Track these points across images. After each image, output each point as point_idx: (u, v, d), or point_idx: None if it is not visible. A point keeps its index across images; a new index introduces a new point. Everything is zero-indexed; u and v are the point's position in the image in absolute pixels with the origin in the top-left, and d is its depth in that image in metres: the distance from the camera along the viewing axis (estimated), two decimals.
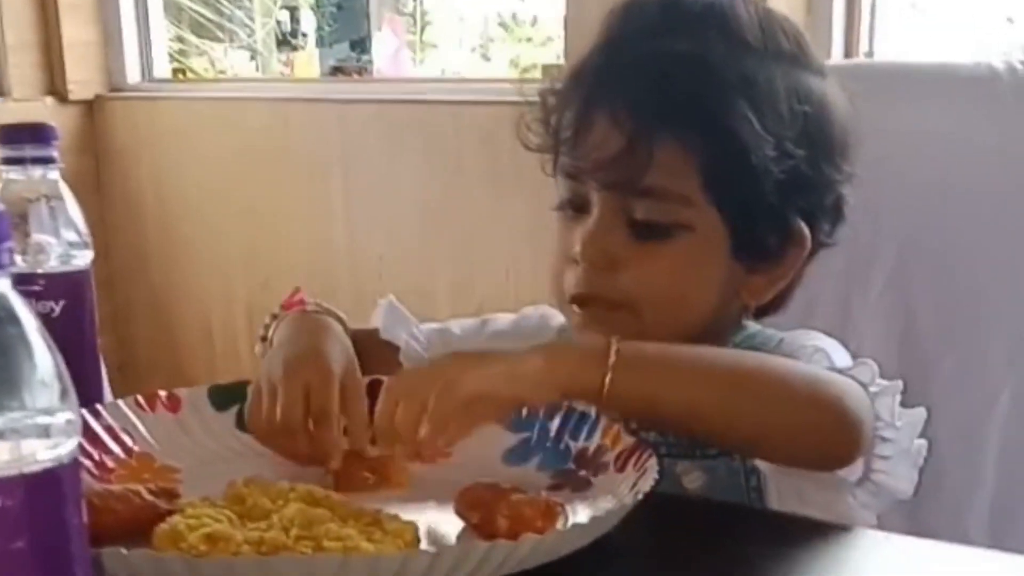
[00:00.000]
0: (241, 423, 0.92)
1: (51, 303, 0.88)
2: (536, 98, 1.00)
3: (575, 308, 0.96)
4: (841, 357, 0.93)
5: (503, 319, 1.12)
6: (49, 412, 0.49)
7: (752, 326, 1.02)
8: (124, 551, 0.63)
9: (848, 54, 1.94)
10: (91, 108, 2.90)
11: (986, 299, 1.16)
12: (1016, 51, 1.71)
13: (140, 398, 0.90)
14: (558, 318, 1.06)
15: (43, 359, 0.50)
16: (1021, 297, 1.15)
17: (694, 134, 0.91)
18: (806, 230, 0.96)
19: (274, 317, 1.04)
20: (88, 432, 0.84)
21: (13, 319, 0.50)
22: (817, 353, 0.91)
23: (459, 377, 0.80)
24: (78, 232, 0.90)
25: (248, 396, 0.92)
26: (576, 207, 0.96)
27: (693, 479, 0.95)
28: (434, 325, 1.10)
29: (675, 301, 0.95)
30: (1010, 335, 1.15)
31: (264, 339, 1.03)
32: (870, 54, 1.97)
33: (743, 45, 0.93)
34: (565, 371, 0.81)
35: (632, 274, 0.93)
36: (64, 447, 0.49)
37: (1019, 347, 1.15)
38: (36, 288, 0.87)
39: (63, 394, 0.50)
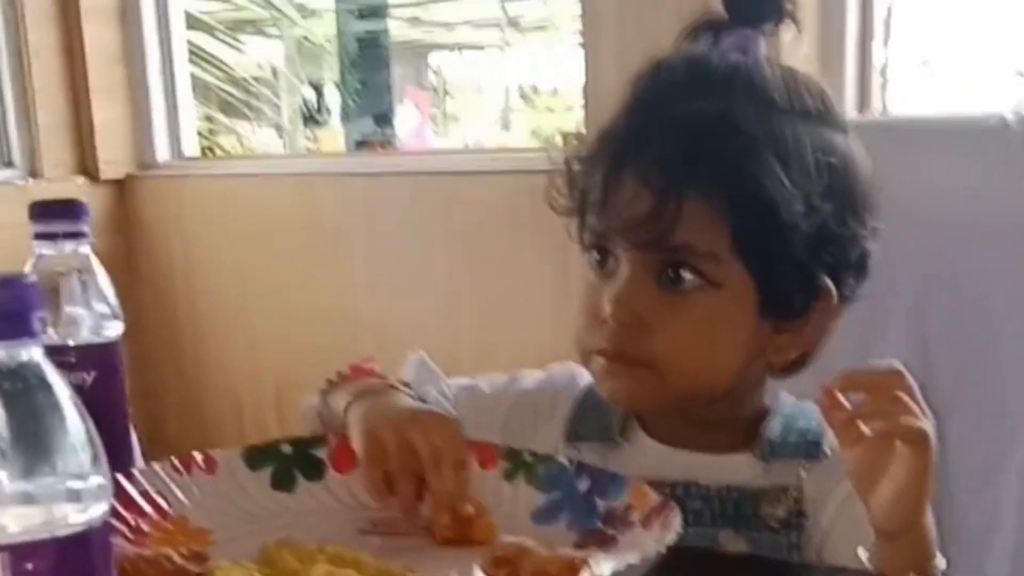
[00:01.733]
0: (275, 482, 0.93)
1: (83, 374, 0.89)
2: (562, 165, 1.01)
3: (599, 359, 0.97)
4: None
5: (531, 377, 1.12)
6: (81, 477, 0.50)
7: (787, 403, 1.02)
8: None
9: (862, 110, 1.96)
10: (122, 187, 2.95)
11: (1003, 345, 1.16)
12: None
13: (175, 460, 0.92)
14: (586, 376, 1.06)
15: (75, 425, 0.51)
16: None
17: (722, 192, 0.91)
18: (832, 286, 0.96)
19: (340, 376, 1.04)
20: (123, 496, 0.86)
21: (45, 386, 0.51)
22: None
23: None
24: (109, 305, 0.91)
25: (361, 448, 0.92)
26: (603, 267, 0.97)
27: (735, 548, 0.95)
28: (463, 381, 1.11)
29: (702, 359, 0.95)
30: None
31: (325, 392, 1.03)
32: (883, 110, 1.99)
33: (769, 104, 0.95)
34: None
35: (660, 334, 0.94)
36: (95, 511, 0.50)
37: None
38: (68, 360, 0.88)
39: (94, 459, 0.51)
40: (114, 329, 0.92)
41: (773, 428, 0.99)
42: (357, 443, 0.93)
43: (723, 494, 0.96)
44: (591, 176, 0.97)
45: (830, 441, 0.97)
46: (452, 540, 0.87)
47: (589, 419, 1.04)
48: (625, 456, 0.99)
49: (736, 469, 0.98)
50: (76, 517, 0.50)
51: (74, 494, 0.50)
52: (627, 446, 1.02)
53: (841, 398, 0.83)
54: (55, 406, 0.51)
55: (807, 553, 0.95)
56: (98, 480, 0.51)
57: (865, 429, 0.82)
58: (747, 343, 0.96)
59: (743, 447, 0.99)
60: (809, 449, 0.97)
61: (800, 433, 0.98)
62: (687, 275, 0.93)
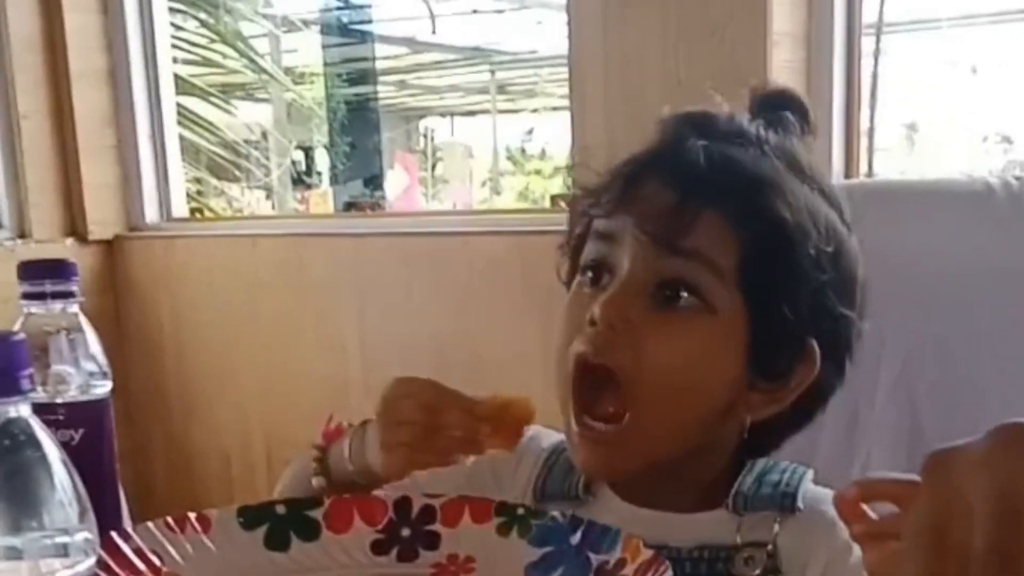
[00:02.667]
0: (269, 542, 0.93)
1: (71, 431, 0.89)
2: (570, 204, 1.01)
3: (574, 426, 0.95)
4: None
5: None
6: (68, 531, 0.51)
7: (760, 459, 0.99)
8: None
9: (848, 175, 1.98)
10: (110, 248, 2.96)
11: (990, 406, 1.17)
12: (1012, 169, 1.75)
13: (170, 520, 0.91)
14: (550, 438, 1.05)
15: (62, 480, 0.51)
16: (1021, 406, 1.15)
17: (745, 213, 0.91)
18: (818, 352, 0.94)
19: (319, 448, 1.04)
20: (117, 554, 0.85)
21: (33, 442, 0.52)
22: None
23: None
24: (97, 363, 0.91)
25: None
26: (598, 274, 0.96)
27: None
28: None
29: (685, 382, 0.93)
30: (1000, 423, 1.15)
31: (317, 473, 1.02)
32: (870, 174, 2.00)
33: (795, 167, 0.96)
34: None
35: (648, 343, 0.92)
36: (82, 566, 0.50)
37: None
38: (56, 417, 0.88)
39: (82, 514, 0.51)
40: (102, 387, 0.92)
41: (746, 481, 0.97)
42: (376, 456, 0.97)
43: (695, 555, 0.95)
44: (601, 196, 0.97)
45: (803, 494, 0.96)
46: (505, 435, 0.92)
47: (555, 477, 1.03)
48: (592, 515, 0.97)
49: (707, 527, 0.96)
50: (63, 572, 0.49)
51: (61, 548, 0.50)
52: (594, 504, 1.00)
53: (865, 508, 0.81)
54: (43, 462, 0.51)
55: None
56: (85, 535, 0.51)
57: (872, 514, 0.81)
58: (728, 383, 0.94)
59: (715, 505, 0.97)
60: (783, 502, 0.96)
61: (773, 485, 0.97)
62: (684, 295, 0.92)
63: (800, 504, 0.95)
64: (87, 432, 0.90)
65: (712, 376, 0.94)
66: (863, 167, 2.00)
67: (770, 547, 0.94)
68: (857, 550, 0.92)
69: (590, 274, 0.97)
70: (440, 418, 0.94)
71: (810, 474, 0.98)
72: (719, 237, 0.91)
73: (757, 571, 0.93)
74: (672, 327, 0.92)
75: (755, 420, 0.96)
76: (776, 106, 1.00)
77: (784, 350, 0.94)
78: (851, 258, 0.97)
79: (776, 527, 0.95)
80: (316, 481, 1.03)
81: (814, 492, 0.97)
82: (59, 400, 0.89)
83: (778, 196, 0.92)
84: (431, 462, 0.96)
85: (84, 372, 0.91)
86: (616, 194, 0.95)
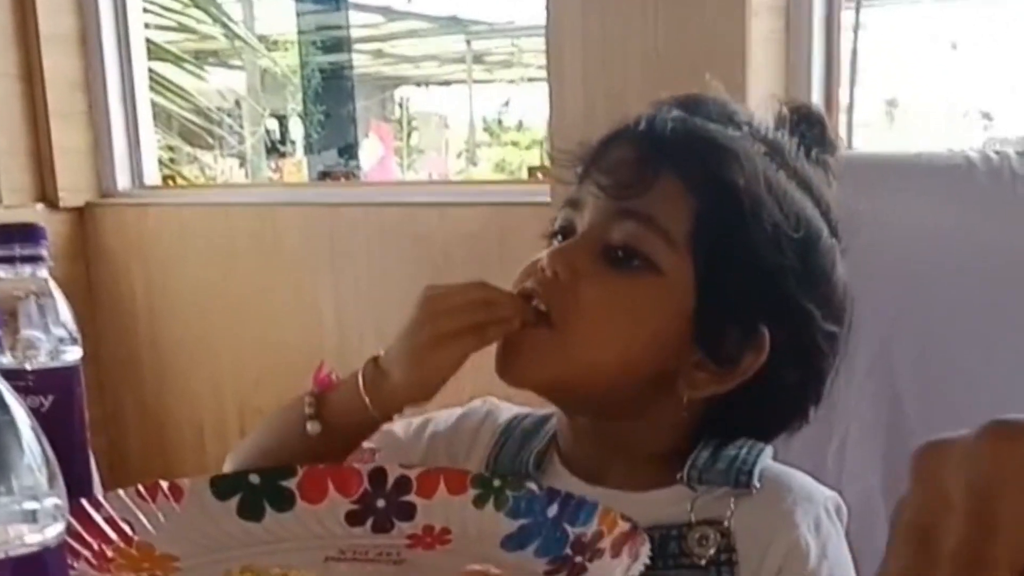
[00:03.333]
0: (243, 512, 0.92)
1: (40, 398, 0.87)
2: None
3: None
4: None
5: (445, 419, 1.09)
6: (36, 497, 0.49)
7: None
8: None
9: None
10: (81, 215, 2.92)
11: (969, 381, 1.16)
12: (992, 145, 1.75)
13: (141, 488, 0.90)
14: (508, 412, 1.05)
15: (31, 445, 0.50)
16: (1004, 382, 1.16)
17: (702, 177, 0.91)
18: (767, 339, 0.92)
19: (313, 394, 1.03)
20: (88, 522, 0.84)
21: (1, 406, 0.50)
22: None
23: None
24: (67, 329, 0.89)
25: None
26: (564, 238, 0.96)
27: None
28: (385, 426, 1.06)
29: (612, 334, 0.92)
30: (993, 416, 1.15)
31: (312, 417, 1.01)
32: (849, 148, 2.00)
33: (777, 154, 0.95)
34: None
35: (587, 289, 0.92)
36: (51, 531, 0.49)
37: None
38: (25, 384, 0.86)
39: (51, 480, 0.50)
40: (73, 353, 0.91)
41: (701, 455, 0.95)
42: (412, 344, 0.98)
43: (648, 533, 0.94)
44: (575, 166, 0.98)
45: (760, 472, 0.94)
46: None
47: (506, 453, 1.02)
48: None
49: (660, 505, 0.94)
50: (31, 537, 0.48)
51: (29, 515, 0.49)
52: (543, 481, 0.98)
53: None
54: (10, 426, 0.50)
55: None
56: (54, 501, 0.49)
57: None
58: (664, 344, 0.93)
59: (668, 483, 0.95)
60: (739, 478, 0.94)
61: (729, 461, 0.95)
62: (634, 261, 0.92)
63: (756, 482, 0.93)
64: (57, 399, 0.88)
65: (648, 332, 0.93)
66: (843, 141, 1.99)
67: (724, 524, 0.93)
68: (813, 557, 0.91)
69: (559, 239, 0.97)
70: (489, 301, 0.95)
71: (769, 451, 0.96)
72: (674, 202, 0.91)
73: (711, 551, 0.92)
74: (616, 282, 0.92)
75: (699, 399, 0.95)
76: (796, 121, 1.00)
77: (732, 330, 0.93)
78: (824, 256, 0.95)
79: (732, 505, 0.93)
80: (311, 426, 1.01)
81: (771, 469, 0.95)
82: (28, 367, 0.87)
83: (736, 164, 0.91)
84: (480, 344, 0.95)
85: (54, 338, 0.89)
86: (586, 161, 0.96)
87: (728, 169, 0.91)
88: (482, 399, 1.09)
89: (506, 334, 0.94)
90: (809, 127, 1.00)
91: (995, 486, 0.46)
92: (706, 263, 0.91)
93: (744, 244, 0.91)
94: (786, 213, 0.92)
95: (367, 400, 0.98)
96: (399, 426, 1.08)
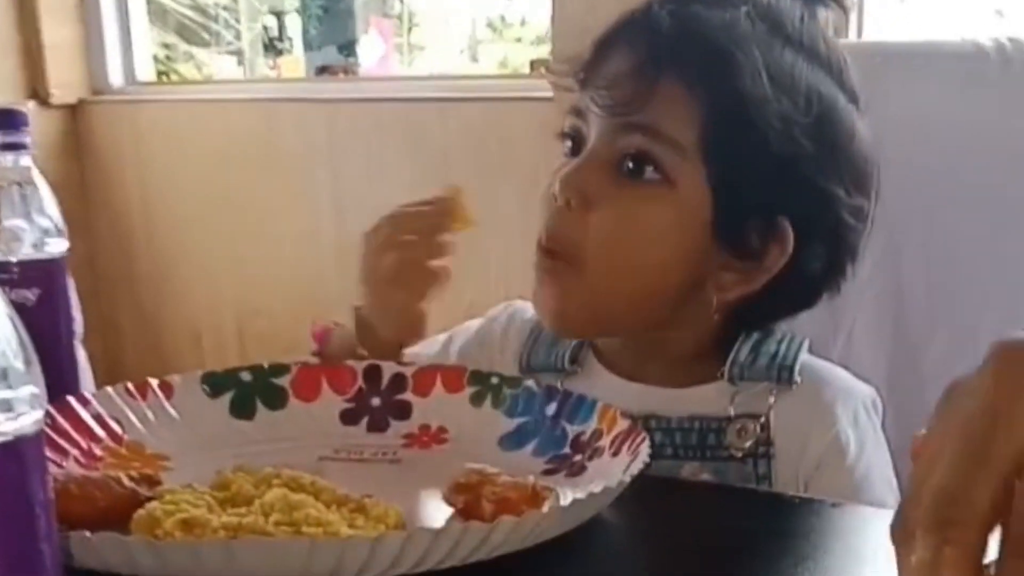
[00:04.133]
0: (235, 410, 0.90)
1: (25, 291, 0.86)
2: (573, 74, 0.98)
3: (536, 264, 0.95)
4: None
5: (467, 330, 1.10)
6: (11, 385, 0.48)
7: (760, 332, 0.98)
8: (88, 535, 0.61)
9: (837, 37, 1.92)
10: (74, 112, 2.88)
11: (976, 278, 1.14)
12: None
13: (131, 385, 0.88)
14: (529, 310, 1.04)
15: (5, 331, 0.48)
16: (1010, 276, 1.13)
17: (703, 78, 0.89)
18: (790, 232, 0.91)
19: (316, 353, 1.03)
20: (76, 419, 0.83)
21: None
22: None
23: None
24: (52, 220, 0.87)
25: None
26: (576, 146, 0.94)
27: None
28: (412, 349, 1.07)
29: (637, 256, 0.91)
30: (1000, 315, 1.13)
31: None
32: (859, 37, 1.95)
33: (779, 30, 0.92)
34: None
35: (602, 214, 0.90)
36: (26, 419, 0.47)
37: (1009, 323, 1.12)
38: (10, 276, 0.85)
39: (27, 367, 0.48)
40: (58, 246, 0.89)
41: (742, 351, 0.96)
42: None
43: (685, 425, 0.93)
44: (575, 70, 0.96)
45: (800, 367, 0.94)
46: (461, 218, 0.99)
47: (540, 348, 1.02)
48: (579, 387, 0.94)
49: (700, 401, 0.95)
50: (6, 426, 0.47)
51: (4, 403, 0.47)
52: (581, 376, 0.99)
53: None
54: None
55: (778, 485, 0.92)
56: (30, 389, 0.48)
57: None
58: (687, 258, 0.92)
59: (708, 380, 0.96)
60: (780, 374, 0.94)
61: (770, 356, 0.95)
62: (648, 168, 0.90)
63: (797, 377, 0.94)
64: (43, 293, 0.87)
65: (668, 252, 0.92)
66: (852, 33, 1.94)
67: (763, 419, 0.92)
68: (852, 451, 0.91)
69: (569, 144, 0.95)
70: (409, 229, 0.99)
71: (807, 344, 0.97)
72: (679, 108, 0.89)
73: (748, 443, 0.92)
74: (630, 203, 0.90)
75: (730, 300, 0.93)
76: None
77: (752, 227, 0.91)
78: (840, 128, 0.92)
79: (771, 399, 0.93)
80: None
81: (811, 364, 0.96)
82: (12, 259, 0.85)
83: (736, 65, 0.88)
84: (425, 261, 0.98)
85: (38, 228, 0.86)
86: (585, 66, 0.93)
87: (729, 72, 0.88)
88: (505, 303, 1.09)
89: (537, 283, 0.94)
90: None
91: (986, 426, 0.44)
92: (718, 167, 0.90)
93: (754, 143, 0.89)
94: (794, 98, 0.90)
95: (365, 354, 0.98)
96: (421, 347, 1.07)
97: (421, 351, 1.07)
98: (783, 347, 0.96)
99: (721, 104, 0.89)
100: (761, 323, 0.97)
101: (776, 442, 0.92)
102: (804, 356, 0.96)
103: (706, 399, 0.95)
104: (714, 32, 0.90)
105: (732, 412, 0.93)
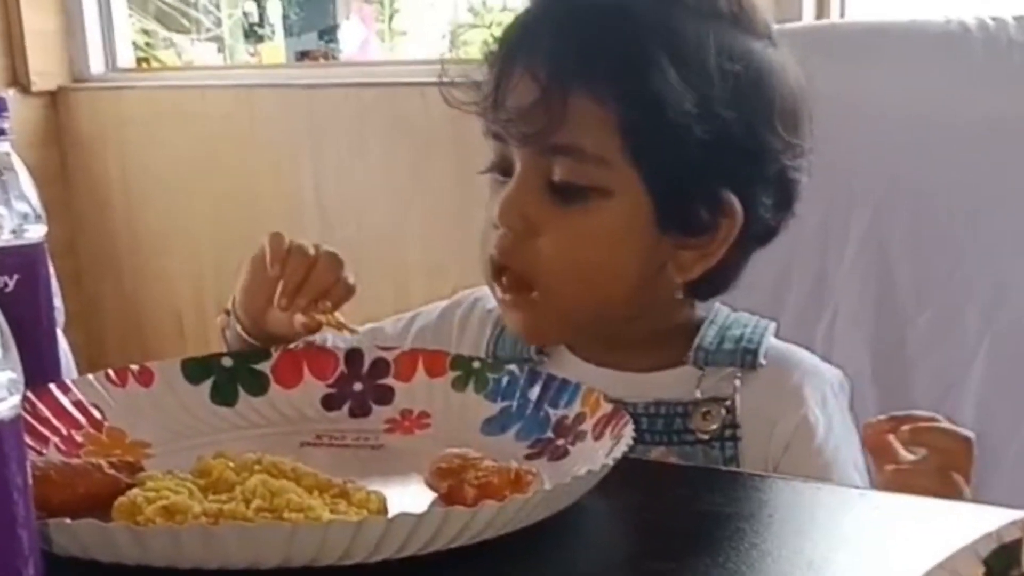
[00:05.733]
0: (215, 396, 0.90)
1: (5, 278, 0.85)
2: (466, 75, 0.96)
3: (497, 289, 0.94)
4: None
5: (431, 312, 1.09)
6: None
7: (722, 312, 0.98)
8: (68, 521, 0.60)
9: (819, 16, 1.92)
10: (54, 99, 2.86)
11: (960, 256, 1.15)
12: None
13: (111, 372, 0.88)
14: (492, 301, 1.03)
15: None
16: (995, 253, 1.14)
17: (611, 88, 0.87)
18: (737, 202, 0.90)
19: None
20: (56, 406, 0.82)
21: None
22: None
23: None
24: (31, 205, 0.86)
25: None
26: (503, 171, 0.93)
27: None
28: (368, 326, 1.07)
29: (592, 271, 0.91)
30: (985, 291, 1.14)
31: (228, 312, 1.00)
32: (842, 17, 1.95)
33: (683, 3, 0.90)
34: None
35: (548, 240, 0.90)
36: (4, 404, 0.47)
37: (994, 303, 1.14)
38: None
39: (4, 352, 0.48)
40: (37, 232, 0.88)
41: (707, 336, 0.95)
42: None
43: (651, 410, 0.93)
44: (488, 73, 0.93)
45: (765, 350, 0.94)
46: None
47: (507, 339, 1.01)
48: None
49: (666, 385, 0.95)
50: None
51: None
52: (548, 364, 0.98)
53: (895, 444, 0.81)
54: None
55: (745, 467, 0.92)
56: (8, 375, 0.47)
57: (904, 454, 0.82)
58: (642, 256, 0.91)
59: (675, 363, 0.96)
60: (744, 358, 0.94)
61: (735, 340, 0.95)
62: (580, 187, 0.89)
63: (762, 360, 0.94)
64: (21, 279, 0.86)
65: (621, 257, 0.92)
66: (835, 11, 1.94)
67: (728, 402, 0.92)
68: (820, 432, 0.91)
69: (498, 175, 0.94)
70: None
71: (772, 328, 0.97)
72: (594, 122, 0.88)
73: (714, 426, 0.92)
74: (571, 220, 0.90)
75: (695, 277, 0.93)
76: None
77: (697, 206, 0.91)
78: (761, 78, 0.91)
79: (737, 383, 0.93)
80: (220, 319, 1.04)
81: (776, 348, 0.96)
82: None
83: (644, 63, 0.86)
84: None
85: (17, 214, 0.86)
86: (490, 91, 0.91)
87: (635, 74, 0.87)
88: (472, 290, 1.08)
89: (502, 295, 0.93)
90: None
91: None
92: (648, 167, 0.89)
93: (678, 134, 0.87)
94: (706, 72, 0.88)
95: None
96: (388, 322, 1.07)
97: (385, 327, 1.07)
98: (748, 331, 0.96)
99: (634, 107, 0.87)
100: (725, 285, 0.97)
101: (743, 425, 0.93)
102: (770, 339, 0.96)
103: (672, 384, 0.95)
104: (611, 33, 0.88)
105: (698, 396, 0.93)
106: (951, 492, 0.80)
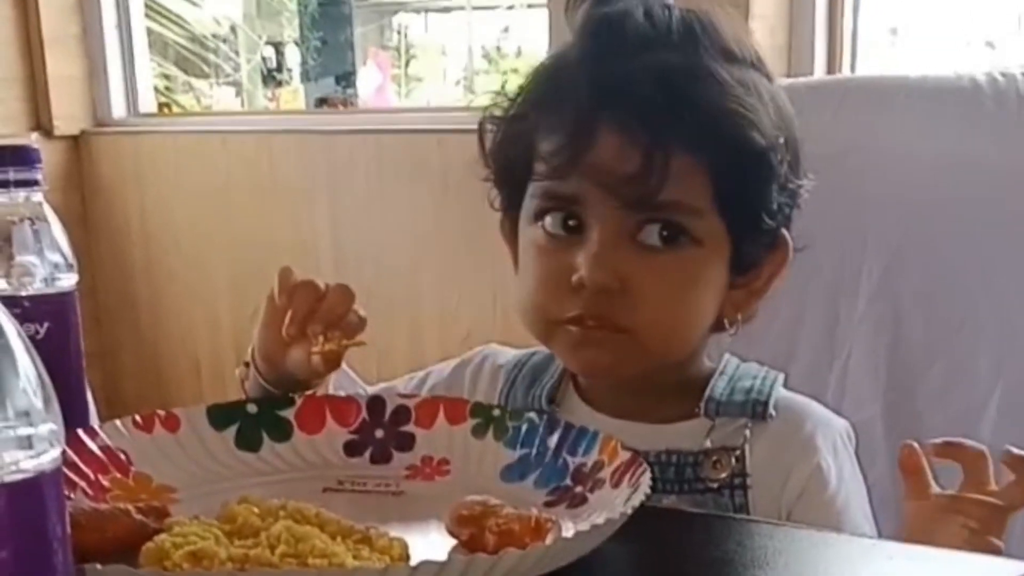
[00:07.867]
0: (240, 442, 0.91)
1: (35, 325, 0.86)
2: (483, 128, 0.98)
3: (571, 328, 0.93)
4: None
5: (442, 370, 1.10)
6: (31, 422, 0.48)
7: (732, 363, 0.99)
8: (99, 567, 0.62)
9: (831, 71, 1.95)
10: (76, 143, 2.90)
11: (972, 307, 1.16)
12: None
13: (138, 418, 0.89)
14: (504, 355, 1.05)
15: (26, 369, 0.49)
16: (1006, 305, 1.15)
17: (706, 143, 0.88)
18: (789, 239, 0.95)
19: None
20: (84, 451, 0.83)
21: None
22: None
23: None
24: (63, 254, 0.88)
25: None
26: (564, 224, 0.93)
27: None
28: (380, 386, 1.07)
29: (683, 320, 0.93)
30: (997, 343, 1.14)
31: (247, 364, 1.02)
32: (853, 71, 1.97)
33: (727, 54, 0.92)
34: None
35: (643, 296, 0.90)
36: (46, 456, 0.48)
37: (1006, 354, 1.14)
38: (20, 310, 0.85)
39: (46, 404, 0.49)
40: (68, 280, 0.89)
41: (717, 387, 0.97)
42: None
43: (663, 459, 0.94)
44: (546, 133, 0.92)
45: (775, 401, 0.96)
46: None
47: (519, 392, 1.02)
48: None
49: (677, 436, 0.96)
50: (27, 463, 0.47)
51: (25, 440, 0.47)
52: (561, 414, 0.98)
53: (925, 464, 0.83)
54: (5, 349, 0.49)
55: (756, 515, 0.93)
56: (50, 426, 0.48)
57: (935, 488, 0.83)
58: (718, 298, 0.94)
59: (687, 416, 0.97)
60: (755, 408, 0.95)
61: (745, 392, 0.96)
62: (677, 238, 0.91)
63: (772, 411, 0.95)
64: (52, 326, 0.87)
65: (706, 301, 0.94)
66: (846, 67, 1.97)
67: (738, 452, 0.93)
68: (833, 481, 0.92)
69: (563, 233, 0.93)
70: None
71: (781, 379, 0.98)
72: (690, 176, 0.89)
73: (724, 474, 0.93)
74: (663, 273, 0.91)
75: (744, 315, 0.96)
76: None
77: (760, 248, 0.94)
78: (790, 120, 0.95)
79: (747, 433, 0.94)
80: (239, 370, 1.05)
81: (786, 399, 0.97)
82: (23, 292, 0.86)
83: (740, 111, 0.89)
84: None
85: (49, 263, 0.87)
86: (566, 157, 0.90)
87: (729, 126, 0.88)
88: (481, 347, 1.09)
89: (584, 331, 0.92)
90: None
91: None
92: (735, 217, 0.91)
93: (765, 183, 0.90)
94: (773, 117, 0.91)
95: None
96: (400, 382, 1.09)
97: (400, 386, 1.08)
98: (757, 382, 0.97)
99: (730, 161, 0.89)
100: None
101: (753, 473, 0.93)
102: (779, 390, 0.97)
103: (683, 434, 0.96)
104: (692, 84, 0.89)
105: (708, 445, 0.95)
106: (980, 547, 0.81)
